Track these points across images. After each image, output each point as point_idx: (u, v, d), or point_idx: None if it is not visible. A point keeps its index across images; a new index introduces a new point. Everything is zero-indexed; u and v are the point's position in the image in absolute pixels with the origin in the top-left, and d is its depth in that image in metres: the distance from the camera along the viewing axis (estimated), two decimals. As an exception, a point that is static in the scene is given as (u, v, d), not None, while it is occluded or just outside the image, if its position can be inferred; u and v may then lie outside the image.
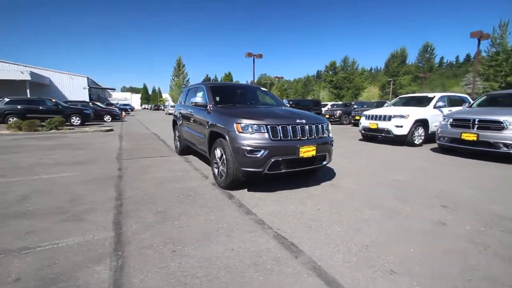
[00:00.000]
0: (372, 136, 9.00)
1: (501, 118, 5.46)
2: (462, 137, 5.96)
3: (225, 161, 3.55)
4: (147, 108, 69.13)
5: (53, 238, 2.32)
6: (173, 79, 51.92)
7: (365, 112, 9.12)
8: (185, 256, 2.08)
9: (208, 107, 4.33)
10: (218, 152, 3.79)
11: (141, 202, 3.21)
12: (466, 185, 4.03)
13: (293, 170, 3.51)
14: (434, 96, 8.64)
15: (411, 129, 7.79)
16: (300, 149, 3.39)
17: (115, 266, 1.94)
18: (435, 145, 8.01)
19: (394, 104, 9.72)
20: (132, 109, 37.08)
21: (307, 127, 3.56)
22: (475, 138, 5.73)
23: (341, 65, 70.74)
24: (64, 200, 3.26)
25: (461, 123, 6.09)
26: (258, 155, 3.24)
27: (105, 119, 18.10)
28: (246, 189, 3.71)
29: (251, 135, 3.31)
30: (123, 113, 23.11)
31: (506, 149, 5.35)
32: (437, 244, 2.33)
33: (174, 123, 6.48)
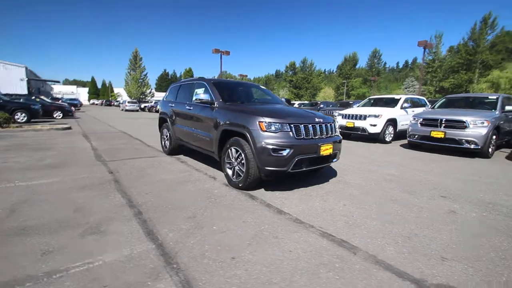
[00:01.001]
0: (345, 134, 9.61)
1: (464, 118, 6.32)
2: (432, 134, 6.74)
3: (244, 161, 3.44)
4: (97, 104, 62.85)
5: (83, 256, 1.98)
6: (129, 72, 47.90)
7: (341, 112, 9.68)
8: (248, 262, 1.98)
9: (214, 105, 4.13)
10: (233, 152, 3.65)
11: (161, 208, 2.93)
12: (450, 177, 4.58)
13: (312, 168, 3.57)
14: (400, 98, 9.58)
15: (383, 127, 8.52)
16: (321, 148, 3.47)
17: (179, 280, 1.75)
18: (401, 142, 8.93)
19: (364, 105, 10.51)
20: (81, 104, 33.31)
21: (324, 126, 3.65)
22: (442, 136, 6.53)
23: (300, 65, 73.73)
24: (65, 210, 2.80)
25: (430, 122, 6.88)
26: (284, 154, 3.22)
27: (54, 115, 15.92)
28: (263, 189, 3.66)
29: (275, 134, 3.26)
30: (73, 109, 20.63)
31: (467, 145, 6.22)
32: (460, 230, 2.61)
33: (162, 121, 6.03)
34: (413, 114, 9.17)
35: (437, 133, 6.62)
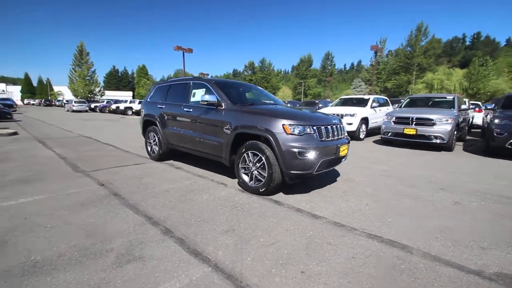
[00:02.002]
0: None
1: (431, 116, 7.07)
2: (405, 131, 7.41)
3: (265, 165, 3.30)
4: (34, 104, 54.81)
5: (135, 291, 1.66)
6: (73, 69, 42.62)
7: (318, 111, 10.05)
8: (321, 274, 1.89)
9: (222, 106, 3.89)
10: (250, 156, 3.48)
11: (190, 223, 2.64)
12: (434, 170, 5.08)
13: (330, 169, 3.61)
14: (369, 98, 10.34)
15: (358, 125, 9.09)
16: (340, 149, 3.52)
17: (266, 305, 1.58)
18: (372, 139, 9.65)
19: (336, 105, 11.09)
20: (16, 105, 28.68)
21: (339, 127, 3.71)
22: (414, 132, 7.22)
23: (259, 65, 74.83)
24: (75, 236, 2.34)
25: (403, 120, 7.55)
26: (310, 157, 3.17)
27: (-13, 119, 13.38)
28: (281, 193, 3.57)
29: (300, 137, 3.20)
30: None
31: (435, 140, 6.98)
32: (474, 219, 2.89)
33: (148, 124, 5.48)
34: (380, 112, 10.00)
35: (410, 130, 7.31)
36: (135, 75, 75.05)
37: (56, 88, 67.20)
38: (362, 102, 10.33)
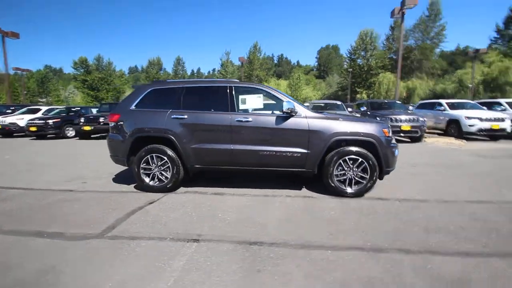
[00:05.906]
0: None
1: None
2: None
3: (368, 167, 3.48)
4: None
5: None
6: None
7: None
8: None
9: (301, 115, 3.63)
10: (348, 161, 3.51)
11: (400, 241, 2.45)
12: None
13: None
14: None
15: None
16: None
17: None
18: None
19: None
20: None
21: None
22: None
23: (94, 63, 62.49)
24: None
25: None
26: (397, 154, 3.72)
27: None
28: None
29: (392, 138, 3.66)
30: None
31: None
32: (474, 180, 4.55)
33: (142, 142, 3.72)
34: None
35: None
36: None
37: None
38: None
